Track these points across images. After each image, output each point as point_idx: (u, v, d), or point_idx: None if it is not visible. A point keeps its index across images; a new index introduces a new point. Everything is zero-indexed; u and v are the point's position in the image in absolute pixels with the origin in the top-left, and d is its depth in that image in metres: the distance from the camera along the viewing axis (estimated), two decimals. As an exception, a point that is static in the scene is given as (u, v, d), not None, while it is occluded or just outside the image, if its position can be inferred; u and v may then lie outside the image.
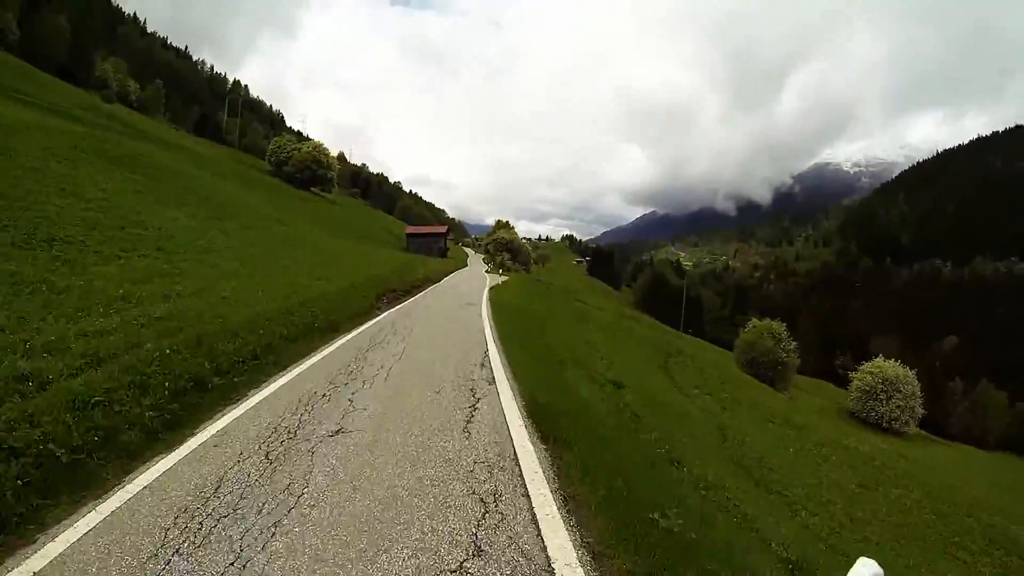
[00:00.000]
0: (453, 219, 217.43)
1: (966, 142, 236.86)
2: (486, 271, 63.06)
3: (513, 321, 17.78)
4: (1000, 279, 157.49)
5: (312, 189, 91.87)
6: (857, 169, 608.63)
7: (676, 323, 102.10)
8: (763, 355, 53.22)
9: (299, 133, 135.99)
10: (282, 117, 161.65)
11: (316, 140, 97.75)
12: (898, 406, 49.76)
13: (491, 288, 30.76)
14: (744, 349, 55.20)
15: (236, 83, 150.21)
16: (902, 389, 50.61)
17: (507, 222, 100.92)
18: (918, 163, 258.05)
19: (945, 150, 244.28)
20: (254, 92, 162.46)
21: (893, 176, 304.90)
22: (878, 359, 55.77)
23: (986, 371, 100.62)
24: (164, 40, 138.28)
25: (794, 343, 55.80)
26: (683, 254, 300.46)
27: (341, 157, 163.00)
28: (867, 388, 51.21)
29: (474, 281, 40.36)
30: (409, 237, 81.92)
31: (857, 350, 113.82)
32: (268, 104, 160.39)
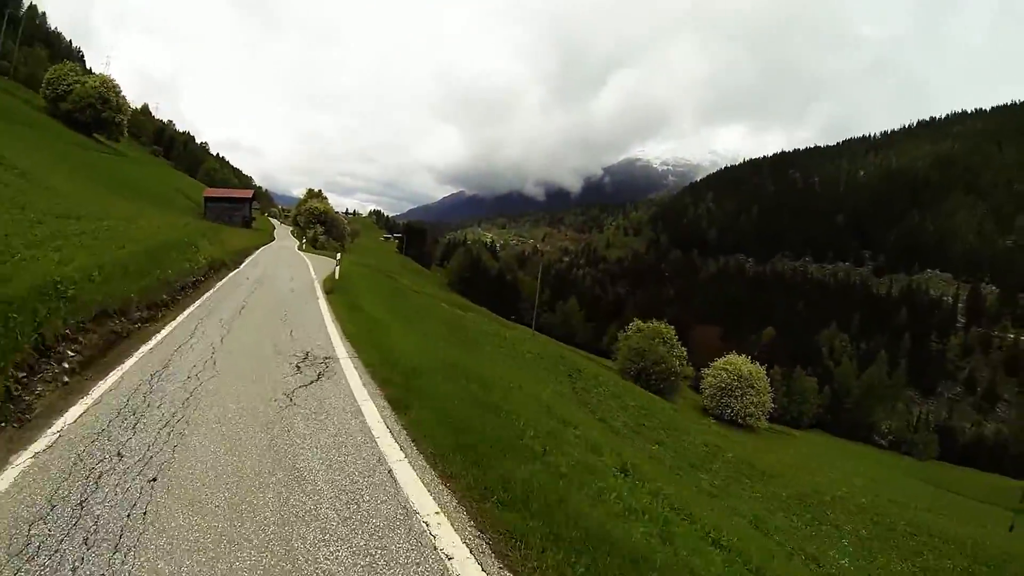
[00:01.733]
0: (260, 187, 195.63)
1: (770, 154, 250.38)
2: (299, 247, 51.52)
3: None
4: (798, 277, 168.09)
5: (96, 136, 72.69)
6: (665, 167, 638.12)
7: (491, 305, 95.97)
8: (655, 364, 45.94)
9: (93, 71, 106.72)
10: (82, 55, 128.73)
11: (104, 74, 76.43)
12: (752, 402, 47.48)
13: (328, 289, 18.01)
14: (631, 357, 47.61)
15: (32, 7, 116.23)
16: (755, 385, 48.53)
17: (319, 191, 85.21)
18: (726, 167, 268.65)
19: (751, 159, 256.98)
20: (54, 23, 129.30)
21: (699, 177, 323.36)
22: (731, 355, 52.59)
23: (794, 359, 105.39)
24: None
25: (684, 348, 49.75)
26: (490, 235, 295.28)
27: (145, 110, 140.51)
28: (722, 385, 48.71)
29: (292, 268, 27.14)
30: (207, 201, 67.36)
31: (680, 340, 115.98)
32: (68, 39, 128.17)
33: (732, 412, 48.31)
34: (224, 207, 66.14)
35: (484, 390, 8.60)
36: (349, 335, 10.36)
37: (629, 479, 8.42)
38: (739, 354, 53.87)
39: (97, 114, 69.92)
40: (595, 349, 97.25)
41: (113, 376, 6.76)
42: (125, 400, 5.98)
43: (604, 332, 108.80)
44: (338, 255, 23.09)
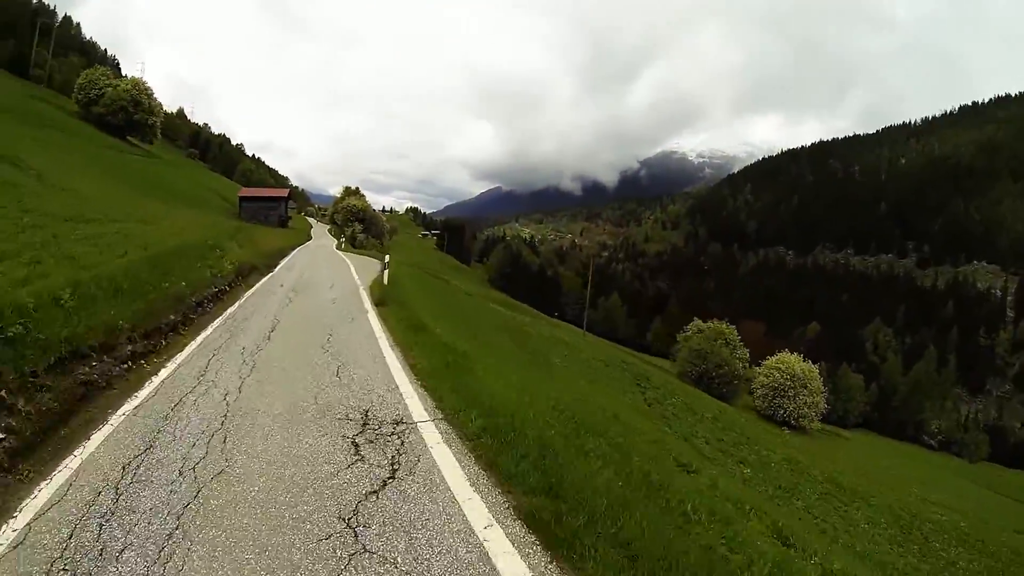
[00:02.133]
0: (296, 187, 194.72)
1: (807, 144, 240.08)
2: (337, 247, 48.60)
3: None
4: (840, 269, 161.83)
5: (130, 139, 71.50)
6: (701, 160, 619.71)
7: (532, 301, 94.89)
8: (718, 367, 42.93)
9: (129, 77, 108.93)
10: (117, 63, 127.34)
11: (136, 77, 75.66)
12: (805, 403, 45.25)
13: (378, 299, 14.52)
14: (692, 359, 44.80)
15: (67, 19, 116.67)
16: (808, 385, 46.11)
17: (356, 188, 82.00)
18: (765, 158, 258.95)
19: (789, 149, 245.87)
20: (89, 34, 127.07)
21: (734, 169, 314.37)
22: (783, 353, 49.29)
23: (838, 355, 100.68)
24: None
25: (747, 351, 46.50)
26: (528, 230, 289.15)
27: (181, 114, 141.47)
28: (774, 385, 46.29)
29: (332, 270, 24.55)
30: (243, 201, 64.35)
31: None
32: (103, 48, 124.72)
33: (785, 413, 45.33)
34: (259, 206, 63.27)
35: (621, 454, 5.84)
36: (421, 374, 7.37)
37: (797, 552, 7.31)
38: (785, 351, 50.82)
39: (129, 116, 68.50)
40: (638, 345, 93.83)
41: (60, 476, 4.03)
42: (64, 539, 3.25)
43: (647, 328, 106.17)
44: (386, 257, 20.39)
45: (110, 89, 67.79)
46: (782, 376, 46.38)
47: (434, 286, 23.16)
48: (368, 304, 14.18)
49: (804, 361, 48.80)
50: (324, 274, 21.83)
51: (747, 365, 46.74)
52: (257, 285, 15.48)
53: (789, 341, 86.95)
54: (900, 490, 30.06)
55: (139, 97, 69.51)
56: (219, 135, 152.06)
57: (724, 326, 48.18)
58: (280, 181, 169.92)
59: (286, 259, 26.28)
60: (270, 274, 19.03)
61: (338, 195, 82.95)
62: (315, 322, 11.03)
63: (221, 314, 10.60)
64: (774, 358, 49.27)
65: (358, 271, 23.62)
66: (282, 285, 16.23)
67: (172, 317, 8.66)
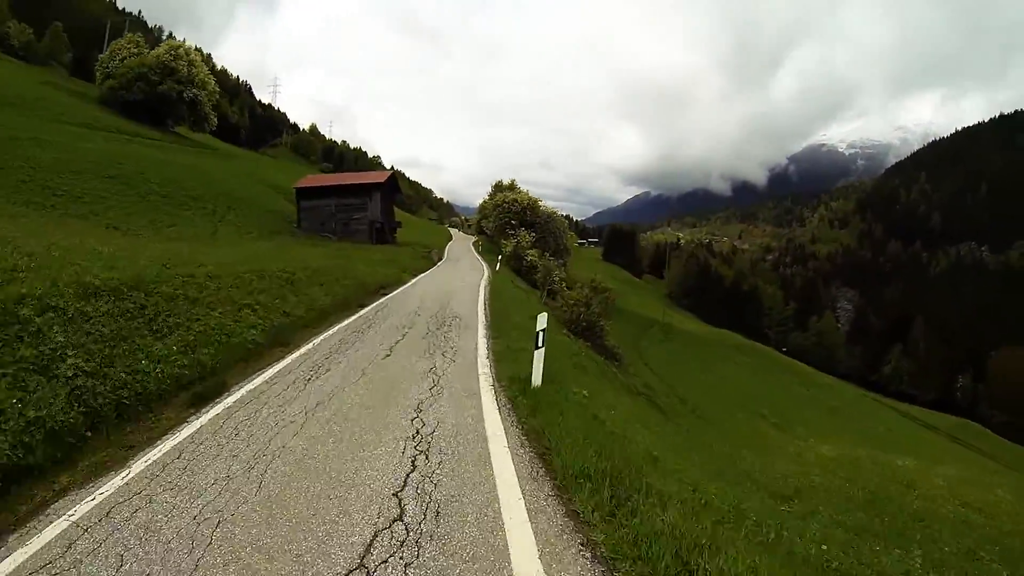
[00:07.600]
0: (441, 199, 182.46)
1: (985, 120, 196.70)
2: (484, 293, 18.23)
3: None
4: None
5: (175, 128, 52.12)
6: (852, 150, 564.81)
7: (725, 322, 78.61)
8: None
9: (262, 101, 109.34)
10: (250, 88, 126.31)
11: (174, 40, 55.54)
12: None
13: None
14: None
15: (197, 50, 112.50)
16: None
17: (512, 182, 54.52)
18: (937, 139, 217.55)
19: (965, 128, 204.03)
20: (233, 72, 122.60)
21: (890, 157, 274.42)
22: None
23: None
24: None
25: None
26: (680, 235, 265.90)
27: (314, 130, 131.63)
28: None
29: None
30: (301, 198, 37.35)
31: (976, 366, 79.41)
32: (235, 75, 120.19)
33: None
34: (332, 207, 37.15)
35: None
36: None
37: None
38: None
39: (151, 89, 46.72)
40: (869, 382, 72.34)
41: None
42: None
43: (880, 359, 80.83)
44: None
45: (134, 59, 47.76)
46: None
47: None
48: None
49: None
50: None
51: None
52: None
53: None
54: None
55: (173, 64, 47.95)
56: (355, 148, 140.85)
57: None
58: (423, 195, 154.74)
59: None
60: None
61: (486, 197, 55.21)
62: None
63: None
64: None
65: None
66: None
67: None
